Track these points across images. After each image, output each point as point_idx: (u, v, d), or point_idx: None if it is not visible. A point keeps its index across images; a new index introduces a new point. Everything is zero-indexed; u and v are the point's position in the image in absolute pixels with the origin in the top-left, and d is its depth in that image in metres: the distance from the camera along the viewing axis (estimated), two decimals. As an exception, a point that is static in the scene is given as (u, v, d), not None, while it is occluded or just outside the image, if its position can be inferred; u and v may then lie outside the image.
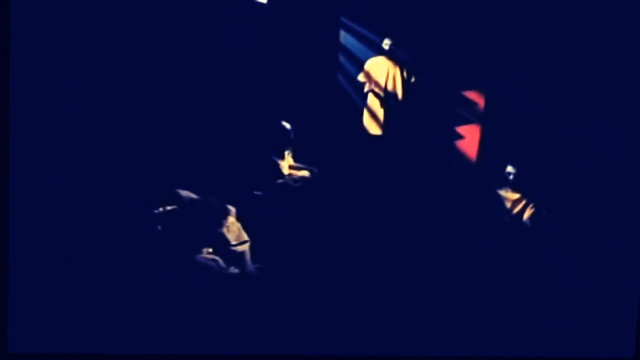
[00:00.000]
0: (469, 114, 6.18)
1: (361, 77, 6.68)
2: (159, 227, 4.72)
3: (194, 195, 5.25)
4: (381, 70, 6.66)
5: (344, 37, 6.39)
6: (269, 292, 4.98)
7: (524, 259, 4.83)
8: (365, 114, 6.69)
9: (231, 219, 5.48)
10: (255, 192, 5.72)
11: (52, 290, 4.50)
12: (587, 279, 4.68)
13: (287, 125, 6.04)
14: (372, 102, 6.68)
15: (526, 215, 5.80)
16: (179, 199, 5.09)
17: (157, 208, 4.72)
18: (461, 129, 6.13)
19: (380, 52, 6.60)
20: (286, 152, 6.15)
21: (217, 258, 5.30)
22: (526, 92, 5.56)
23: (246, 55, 5.64)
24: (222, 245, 5.36)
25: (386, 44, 6.62)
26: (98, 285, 4.49)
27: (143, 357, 4.24)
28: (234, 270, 5.31)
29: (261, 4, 5.71)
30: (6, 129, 4.33)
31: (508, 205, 5.89)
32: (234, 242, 5.40)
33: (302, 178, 6.17)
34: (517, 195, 5.96)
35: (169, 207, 4.88)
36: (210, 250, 5.29)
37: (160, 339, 4.18)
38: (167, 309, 4.11)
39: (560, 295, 4.72)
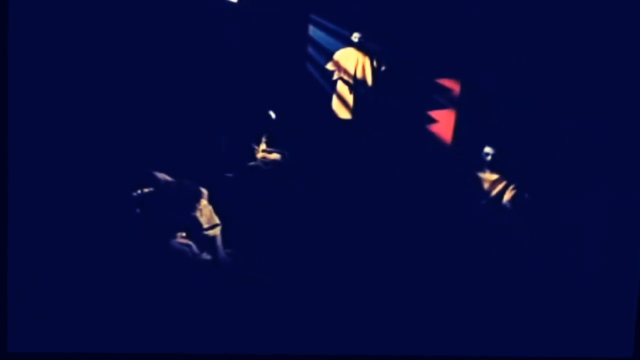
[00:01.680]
0: (443, 100, 6.26)
1: (330, 66, 6.85)
2: (137, 210, 4.79)
3: (169, 178, 5.32)
4: (350, 60, 6.80)
5: (313, 31, 6.53)
6: (243, 280, 5.05)
7: (519, 255, 4.76)
8: (335, 99, 6.87)
9: (203, 202, 5.55)
10: (227, 174, 5.81)
11: (51, 289, 4.56)
12: (585, 278, 4.68)
13: (273, 115, 6.19)
14: (341, 88, 6.83)
15: (506, 197, 5.73)
16: (156, 181, 5.15)
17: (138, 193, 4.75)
18: (435, 113, 6.22)
19: (349, 44, 6.79)
20: (263, 138, 6.28)
21: (190, 243, 5.44)
22: (503, 76, 5.54)
23: (220, 49, 5.75)
24: (195, 229, 5.50)
25: (355, 36, 6.80)
26: (96, 284, 4.53)
27: (143, 357, 4.33)
28: (206, 256, 5.28)
29: (232, 3, 5.85)
30: (5, 127, 4.41)
31: (486, 186, 5.83)
32: (205, 226, 5.48)
33: (274, 161, 6.29)
34: (495, 177, 5.91)
35: (146, 190, 4.92)
36: (184, 234, 5.38)
37: (160, 338, 4.24)
38: (166, 308, 4.20)
39: (558, 294, 4.79)
